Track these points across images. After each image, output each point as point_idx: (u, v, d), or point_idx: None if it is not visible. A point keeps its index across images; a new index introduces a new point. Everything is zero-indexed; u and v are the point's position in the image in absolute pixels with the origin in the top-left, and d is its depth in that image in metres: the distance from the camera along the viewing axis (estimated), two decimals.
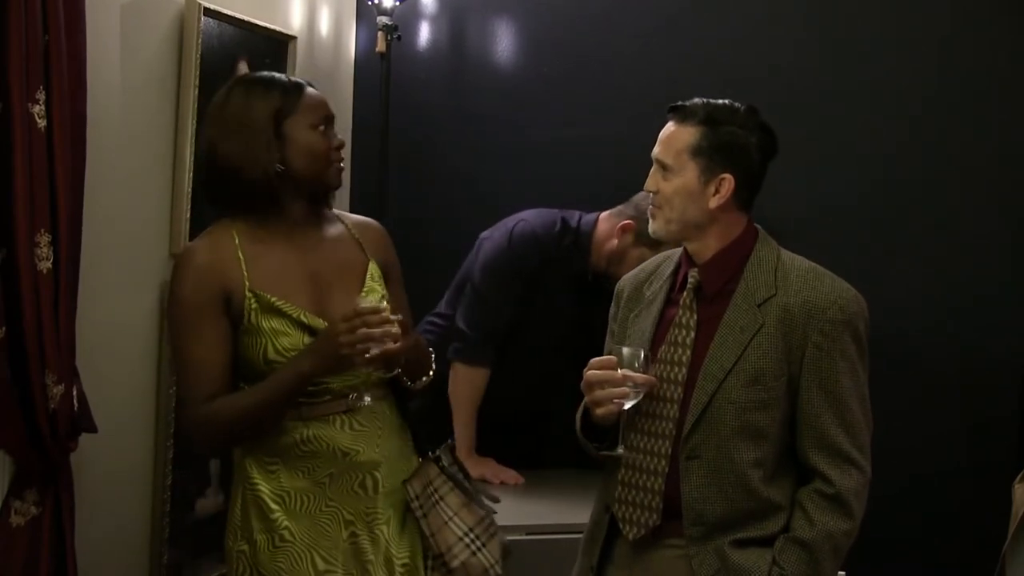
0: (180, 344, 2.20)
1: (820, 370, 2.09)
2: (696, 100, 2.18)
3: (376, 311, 2.07)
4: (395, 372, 2.21)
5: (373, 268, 2.31)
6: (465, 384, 3.16)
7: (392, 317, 2.08)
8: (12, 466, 2.54)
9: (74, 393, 2.57)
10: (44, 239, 2.45)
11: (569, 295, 3.23)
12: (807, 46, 3.48)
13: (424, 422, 2.81)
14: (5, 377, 2.41)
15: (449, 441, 2.37)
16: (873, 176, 3.40)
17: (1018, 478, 2.48)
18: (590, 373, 2.11)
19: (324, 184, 2.27)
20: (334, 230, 2.33)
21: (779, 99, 3.39)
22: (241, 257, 2.20)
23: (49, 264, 2.46)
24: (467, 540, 2.24)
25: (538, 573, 2.67)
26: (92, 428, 2.64)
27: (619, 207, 3.22)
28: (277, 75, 2.29)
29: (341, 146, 2.28)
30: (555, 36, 3.76)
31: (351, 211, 3.93)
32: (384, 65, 3.70)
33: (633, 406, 2.15)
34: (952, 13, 3.34)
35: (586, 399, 2.14)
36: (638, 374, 2.09)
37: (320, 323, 2.17)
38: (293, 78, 2.29)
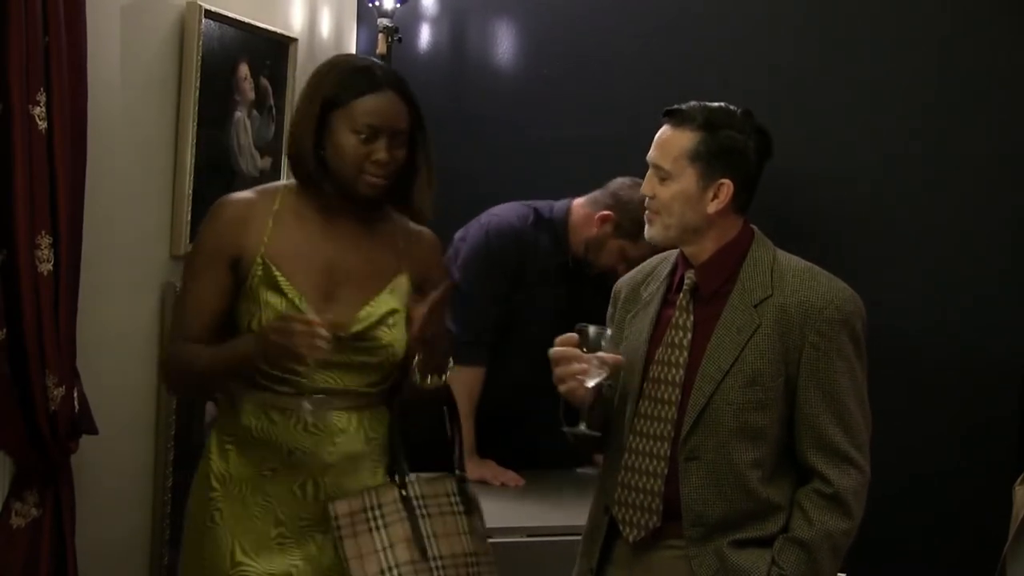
0: (184, 283, 2.23)
1: (817, 370, 2.08)
2: (692, 103, 2.16)
3: (304, 321, 2.02)
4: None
5: (402, 281, 2.25)
6: (460, 385, 3.15)
7: (321, 332, 2.00)
8: (12, 467, 2.55)
9: (75, 394, 2.57)
10: (45, 241, 2.45)
11: (553, 286, 3.22)
12: (807, 46, 3.47)
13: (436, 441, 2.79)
14: (6, 378, 2.42)
15: (457, 472, 2.30)
16: (873, 176, 3.40)
17: (1019, 480, 2.47)
18: (552, 351, 2.10)
19: (351, 192, 2.19)
20: (380, 231, 2.27)
21: (779, 99, 3.40)
22: (270, 224, 2.18)
23: (50, 266, 2.46)
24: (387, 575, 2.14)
25: (538, 575, 2.66)
26: (93, 430, 2.64)
27: (595, 194, 3.23)
28: (363, 64, 2.23)
29: (382, 162, 2.17)
30: (555, 37, 3.76)
31: None
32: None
33: (625, 406, 2.15)
34: (952, 13, 3.33)
35: (553, 377, 2.12)
36: (607, 354, 2.08)
37: (306, 307, 2.13)
38: (379, 77, 2.19)
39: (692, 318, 2.15)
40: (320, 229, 2.21)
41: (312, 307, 2.13)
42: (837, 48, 3.44)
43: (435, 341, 2.17)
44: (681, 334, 2.15)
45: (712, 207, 2.13)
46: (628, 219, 3.08)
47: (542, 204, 3.28)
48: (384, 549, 2.14)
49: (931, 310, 3.31)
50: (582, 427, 2.15)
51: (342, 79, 2.18)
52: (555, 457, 3.33)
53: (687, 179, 2.13)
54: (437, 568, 2.18)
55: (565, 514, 2.94)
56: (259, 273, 2.14)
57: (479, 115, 3.79)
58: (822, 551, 2.07)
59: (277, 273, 2.14)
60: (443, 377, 2.24)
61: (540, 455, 3.38)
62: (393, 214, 2.30)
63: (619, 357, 2.12)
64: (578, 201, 3.25)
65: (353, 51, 4.01)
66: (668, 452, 2.12)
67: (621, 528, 2.18)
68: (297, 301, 2.13)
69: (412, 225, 2.33)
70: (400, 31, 3.70)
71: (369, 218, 2.26)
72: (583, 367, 2.08)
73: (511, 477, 3.23)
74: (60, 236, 2.49)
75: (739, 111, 2.16)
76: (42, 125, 2.42)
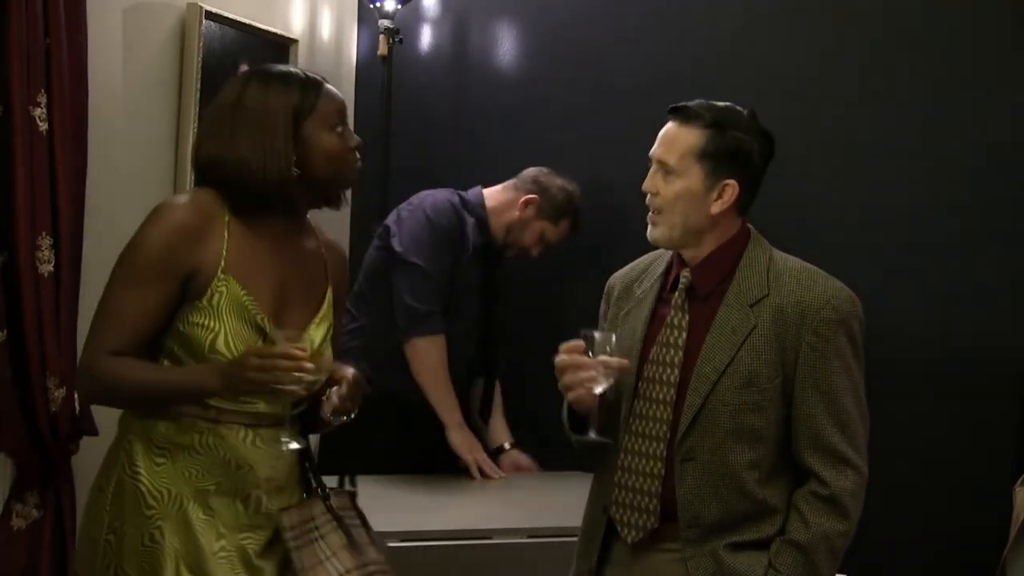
0: (116, 289, 2.03)
1: (815, 370, 2.07)
2: (700, 102, 2.13)
3: (288, 355, 1.95)
4: (300, 408, 2.09)
5: (330, 295, 2.21)
6: (433, 354, 3.25)
7: (307, 366, 1.96)
8: (13, 469, 2.55)
9: (75, 396, 2.57)
10: (45, 242, 2.46)
11: (478, 264, 3.37)
12: (808, 46, 3.47)
13: (353, 447, 2.85)
14: (6, 379, 2.42)
15: (351, 487, 2.28)
16: (874, 175, 3.39)
17: (1019, 481, 2.47)
18: (558, 359, 2.08)
19: (341, 185, 2.16)
20: (310, 244, 2.22)
21: (780, 99, 3.40)
22: (227, 235, 2.07)
23: (50, 267, 2.47)
24: None
25: (538, 575, 2.67)
26: (93, 431, 2.64)
27: (511, 181, 3.40)
28: (293, 69, 2.17)
29: (359, 146, 2.17)
30: (557, 39, 3.76)
31: (352, 215, 3.96)
32: (386, 68, 3.70)
33: (620, 405, 2.15)
34: (952, 12, 3.33)
35: (559, 385, 2.12)
36: (611, 358, 2.06)
37: (276, 334, 2.05)
38: (309, 73, 2.16)
39: (687, 317, 2.14)
40: (268, 247, 2.12)
41: (273, 327, 2.07)
42: (838, 48, 3.44)
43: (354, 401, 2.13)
44: (676, 333, 2.14)
45: (716, 207, 2.11)
46: (550, 203, 3.35)
47: (460, 191, 3.42)
48: (328, 558, 2.14)
49: (931, 310, 3.31)
50: (592, 435, 2.12)
51: (297, 87, 2.12)
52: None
53: (693, 177, 2.10)
54: (372, 573, 2.18)
55: (565, 514, 2.94)
56: (222, 290, 2.04)
57: (480, 116, 3.79)
58: (819, 553, 2.06)
59: (243, 293, 2.05)
60: (351, 415, 2.17)
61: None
62: (309, 223, 2.25)
63: (625, 361, 2.10)
64: (492, 189, 3.41)
65: (354, 52, 4.01)
66: (664, 452, 2.11)
67: (619, 529, 2.17)
68: (264, 323, 2.07)
69: (326, 235, 2.28)
70: (401, 32, 3.71)
71: (301, 231, 2.20)
72: (590, 374, 2.06)
73: (490, 466, 3.26)
74: (61, 237, 2.50)
75: (745, 112, 2.14)
76: (43, 126, 2.43)
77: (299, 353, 1.96)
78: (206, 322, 2.04)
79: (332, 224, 3.83)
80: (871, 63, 3.38)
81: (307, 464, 2.23)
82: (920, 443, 3.27)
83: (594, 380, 2.06)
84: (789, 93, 3.43)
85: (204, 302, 2.03)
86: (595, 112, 3.66)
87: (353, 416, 2.16)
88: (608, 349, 2.07)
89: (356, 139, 2.17)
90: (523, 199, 3.36)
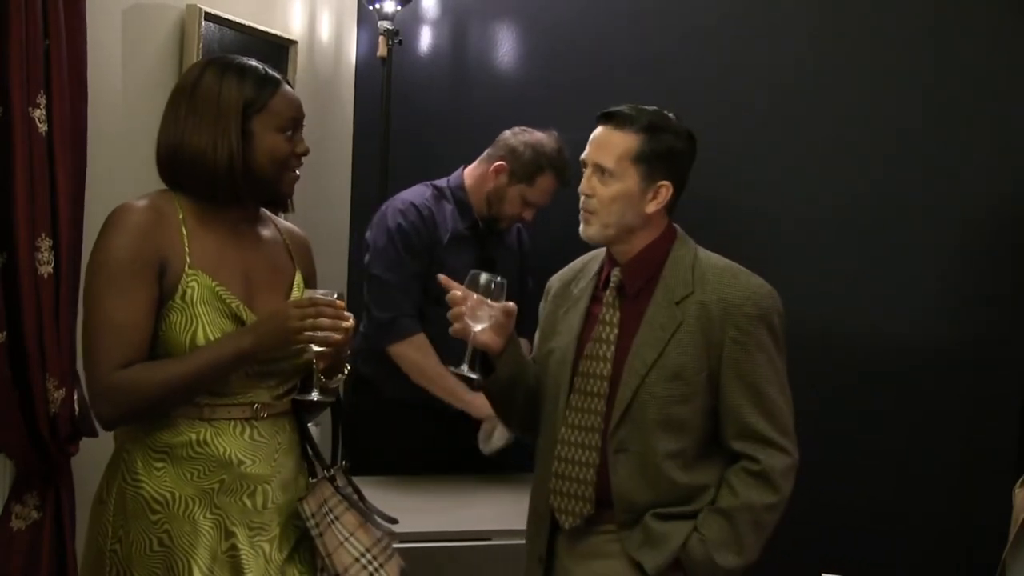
0: (102, 303, 2.03)
1: (738, 363, 2.17)
2: (631, 106, 2.23)
3: (331, 304, 2.04)
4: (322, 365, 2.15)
5: (299, 279, 2.25)
6: (411, 357, 3.22)
7: (347, 314, 2.06)
8: (13, 470, 2.55)
9: (75, 397, 2.57)
10: (45, 243, 2.45)
11: (467, 249, 3.30)
12: (807, 47, 3.48)
13: (348, 437, 2.84)
14: (6, 380, 2.41)
15: (343, 463, 2.30)
16: (874, 174, 3.40)
17: (1018, 482, 2.48)
18: (449, 295, 2.18)
19: (276, 190, 2.18)
20: (268, 232, 2.26)
21: (780, 99, 3.40)
22: (184, 231, 2.10)
23: (50, 268, 2.46)
24: (363, 561, 2.18)
25: None
26: (92, 432, 2.64)
27: (485, 152, 3.34)
28: (254, 64, 2.16)
29: (305, 153, 2.19)
30: (556, 41, 3.76)
31: (352, 216, 3.96)
32: (385, 70, 3.70)
33: (557, 398, 2.26)
34: (950, 10, 3.33)
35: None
36: (495, 302, 2.17)
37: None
38: (270, 71, 2.17)
39: (619, 314, 2.24)
40: (228, 237, 2.16)
41: (250, 313, 2.11)
42: (836, 47, 3.45)
43: (339, 353, 2.17)
44: (608, 330, 2.24)
45: (651, 207, 2.22)
46: (518, 164, 3.24)
47: (438, 180, 3.38)
48: (347, 539, 2.19)
49: (931, 311, 3.31)
50: (463, 368, 2.22)
51: (252, 82, 2.13)
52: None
53: (630, 179, 2.20)
54: (389, 545, 2.26)
55: None
56: (193, 285, 2.07)
57: (479, 117, 3.79)
58: (743, 522, 2.15)
59: (214, 283, 2.08)
60: (345, 372, 2.25)
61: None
62: (264, 213, 2.28)
63: (509, 305, 2.19)
64: (470, 167, 3.36)
65: (353, 54, 4.01)
66: (599, 443, 2.21)
67: (558, 516, 2.27)
68: (241, 311, 2.10)
69: (285, 223, 2.33)
70: (401, 34, 3.71)
71: (257, 221, 2.24)
72: (460, 310, 2.16)
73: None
74: (60, 238, 2.49)
75: (673, 116, 2.25)
76: (42, 128, 2.43)
77: (340, 303, 2.06)
78: (183, 319, 2.07)
79: (333, 226, 3.85)
80: (874, 63, 3.38)
81: (308, 448, 2.29)
82: (920, 443, 3.27)
83: (473, 316, 2.16)
84: (788, 93, 3.43)
85: (178, 300, 2.06)
86: (595, 114, 3.65)
87: (346, 373, 2.24)
88: (492, 287, 2.17)
89: (303, 146, 2.19)
90: (492, 167, 3.28)
